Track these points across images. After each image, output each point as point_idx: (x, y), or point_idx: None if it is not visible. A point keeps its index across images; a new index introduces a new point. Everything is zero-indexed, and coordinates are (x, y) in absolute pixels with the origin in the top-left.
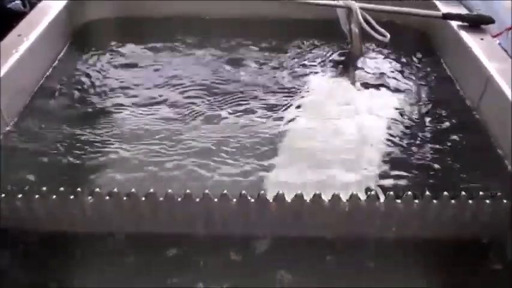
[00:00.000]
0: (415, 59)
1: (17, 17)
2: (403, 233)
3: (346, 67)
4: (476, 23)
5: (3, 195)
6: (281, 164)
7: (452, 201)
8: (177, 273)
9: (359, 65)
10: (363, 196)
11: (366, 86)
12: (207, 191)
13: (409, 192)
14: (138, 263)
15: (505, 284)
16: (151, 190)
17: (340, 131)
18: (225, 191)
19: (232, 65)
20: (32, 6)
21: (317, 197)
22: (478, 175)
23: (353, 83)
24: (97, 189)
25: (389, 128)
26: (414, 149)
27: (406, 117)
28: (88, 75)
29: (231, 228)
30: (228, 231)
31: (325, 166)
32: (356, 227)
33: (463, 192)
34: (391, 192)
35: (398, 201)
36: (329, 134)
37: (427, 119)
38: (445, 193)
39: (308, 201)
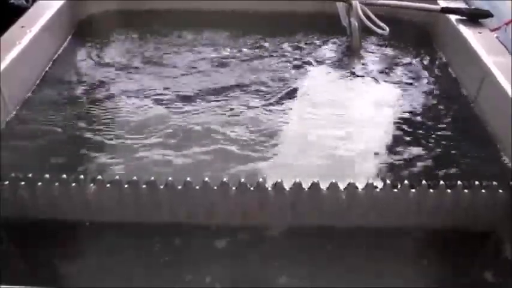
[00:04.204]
0: (413, 52)
1: (20, 11)
2: (398, 222)
3: (345, 60)
4: (475, 17)
5: (6, 182)
6: (280, 154)
7: (449, 190)
8: (177, 264)
9: (358, 58)
10: (360, 185)
11: (365, 79)
12: (206, 179)
13: (406, 182)
14: (139, 252)
15: (501, 273)
16: (152, 178)
17: (339, 122)
18: (225, 179)
19: (232, 58)
20: (35, 1)
21: (315, 186)
22: (475, 166)
23: (352, 76)
24: (99, 177)
25: (387, 120)
26: (411, 140)
27: (404, 109)
28: (90, 67)
29: (231, 217)
30: (227, 220)
31: (324, 156)
32: (353, 216)
33: (459, 182)
34: (388, 182)
35: (395, 190)
36: (328, 126)
37: (425, 112)
38: (442, 183)
39: (306, 189)
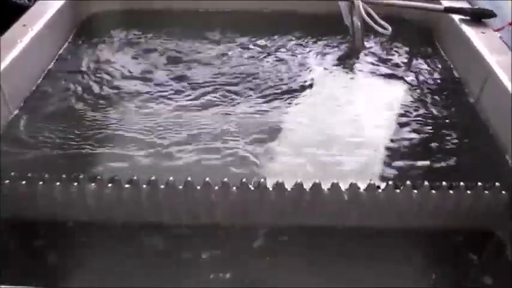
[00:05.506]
0: (416, 52)
1: (21, 10)
2: (401, 223)
3: (347, 60)
4: (478, 17)
5: (6, 181)
6: (281, 153)
7: (451, 191)
8: (177, 264)
9: (360, 58)
10: (362, 185)
11: (367, 78)
12: (207, 179)
13: (408, 183)
14: (139, 252)
15: (503, 274)
16: (153, 178)
17: (341, 122)
18: (226, 179)
19: (234, 57)
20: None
21: (316, 186)
22: (477, 167)
23: (354, 76)
24: (99, 176)
25: (389, 119)
26: (413, 140)
27: (405, 109)
28: (92, 66)
29: (232, 217)
30: (229, 220)
31: (325, 156)
32: (355, 216)
33: (462, 183)
34: (390, 182)
35: (397, 191)
36: (329, 125)
37: (427, 112)
38: (444, 183)
39: (308, 189)
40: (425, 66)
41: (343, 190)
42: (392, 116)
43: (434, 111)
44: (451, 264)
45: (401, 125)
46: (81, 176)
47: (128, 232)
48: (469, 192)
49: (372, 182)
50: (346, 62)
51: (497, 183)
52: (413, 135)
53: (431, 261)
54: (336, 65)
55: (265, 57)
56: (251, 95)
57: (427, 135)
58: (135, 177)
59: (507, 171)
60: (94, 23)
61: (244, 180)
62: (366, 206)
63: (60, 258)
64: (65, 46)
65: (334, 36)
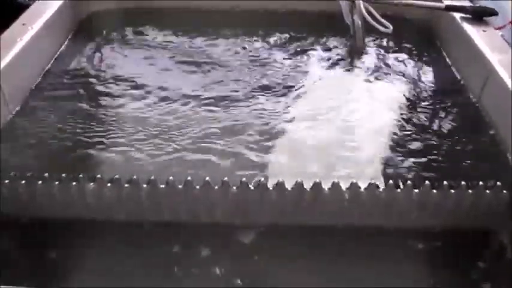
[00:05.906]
0: (417, 50)
1: (22, 9)
2: (401, 222)
3: (348, 59)
4: (479, 15)
5: (6, 181)
6: (280, 153)
7: (452, 191)
8: (177, 264)
9: (361, 56)
10: (362, 185)
11: (368, 77)
12: (207, 178)
13: (409, 182)
14: (139, 252)
15: (503, 275)
16: (153, 177)
17: (341, 121)
18: (226, 178)
19: (234, 56)
20: None
21: (317, 186)
22: (478, 166)
23: (355, 75)
24: (98, 176)
25: (390, 118)
26: (413, 139)
27: (407, 108)
28: (91, 65)
29: (231, 217)
30: (228, 220)
31: (325, 155)
32: (356, 216)
33: (463, 182)
34: (391, 182)
35: (398, 190)
36: (330, 124)
37: (429, 111)
38: (445, 183)
39: (308, 189)
40: (426, 65)
41: (344, 189)
42: (393, 115)
43: (435, 110)
44: (451, 263)
45: (402, 123)
46: (81, 176)
47: (128, 231)
48: (470, 191)
49: (373, 181)
50: (346, 61)
51: (498, 183)
52: (414, 134)
53: (431, 261)
54: (336, 64)
55: (264, 56)
56: (252, 95)
57: (427, 133)
58: (134, 177)
59: (508, 170)
60: (94, 22)
61: (244, 179)
62: (367, 206)
63: (60, 258)
64: (64, 45)
65: (335, 35)
